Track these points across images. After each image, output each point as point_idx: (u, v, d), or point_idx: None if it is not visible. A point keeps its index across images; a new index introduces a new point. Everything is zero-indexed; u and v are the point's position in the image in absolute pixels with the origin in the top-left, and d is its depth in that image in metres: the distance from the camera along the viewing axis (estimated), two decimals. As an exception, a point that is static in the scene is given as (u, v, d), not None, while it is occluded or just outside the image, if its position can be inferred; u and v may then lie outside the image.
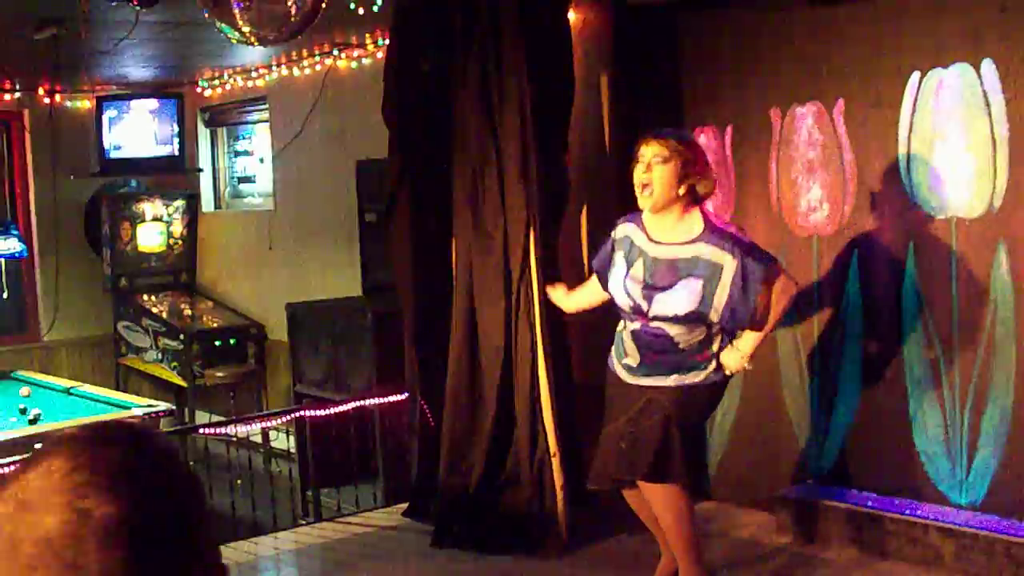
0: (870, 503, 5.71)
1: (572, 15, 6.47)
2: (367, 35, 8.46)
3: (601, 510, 6.29)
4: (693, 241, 4.77)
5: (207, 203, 11.60)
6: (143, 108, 10.80)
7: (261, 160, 11.02)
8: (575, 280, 6.59)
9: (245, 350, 10.54)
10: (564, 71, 6.17)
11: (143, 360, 10.94)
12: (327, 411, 7.05)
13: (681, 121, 6.49)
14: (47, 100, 10.53)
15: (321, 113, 9.60)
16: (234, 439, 7.82)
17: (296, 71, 9.62)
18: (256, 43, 5.15)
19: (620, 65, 6.68)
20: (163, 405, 7.89)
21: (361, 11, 6.70)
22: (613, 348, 5.11)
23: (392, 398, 7.02)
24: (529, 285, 5.87)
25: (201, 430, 8.27)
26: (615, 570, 5.70)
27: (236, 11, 4.95)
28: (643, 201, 4.88)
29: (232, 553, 6.23)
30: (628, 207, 6.73)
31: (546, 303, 5.85)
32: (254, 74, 10.09)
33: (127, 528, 1.23)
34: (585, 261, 6.89)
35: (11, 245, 9.40)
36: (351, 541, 6.39)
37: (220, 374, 10.27)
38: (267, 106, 10.43)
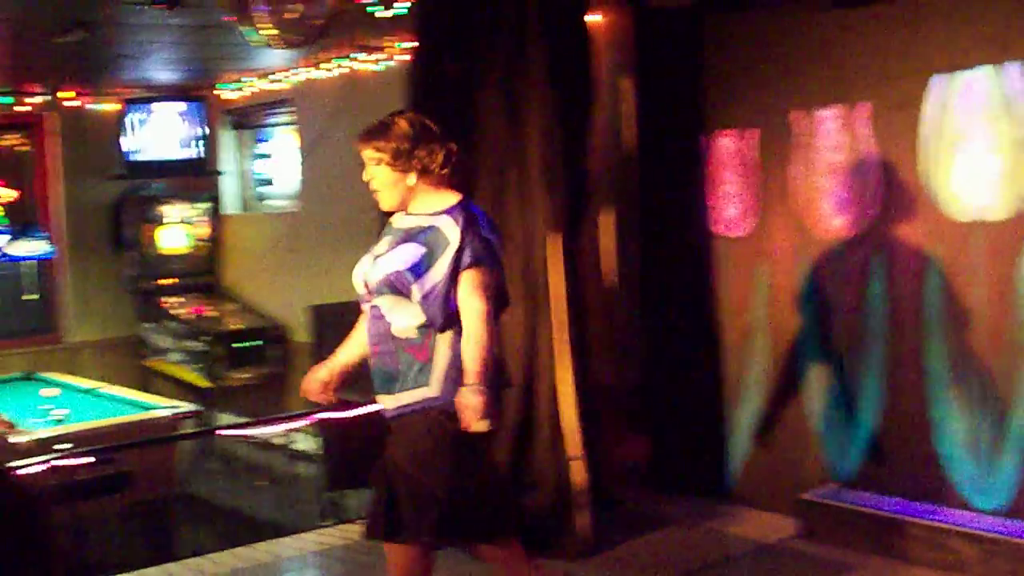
0: (893, 507, 5.69)
1: (594, 18, 6.46)
2: (391, 38, 8.47)
3: (625, 514, 6.30)
4: (438, 213, 4.31)
5: (231, 205, 11.64)
6: (168, 111, 10.85)
7: (285, 162, 11.05)
8: (595, 285, 6.59)
9: (268, 352, 10.57)
10: (586, 74, 6.17)
11: (167, 361, 10.99)
12: (350, 413, 7.05)
13: (704, 124, 6.48)
14: (73, 103, 10.58)
15: (345, 115, 9.62)
16: (257, 440, 7.84)
17: (320, 74, 9.65)
18: (279, 46, 5.18)
19: (643, 68, 6.67)
20: (186, 406, 7.94)
21: (385, 15, 6.72)
22: None
23: (415, 400, 7.01)
24: (550, 288, 5.86)
25: (223, 431, 8.31)
26: (637, 573, 5.69)
27: (259, 15, 4.98)
28: (379, 203, 4.50)
29: (254, 554, 6.25)
30: (650, 209, 6.74)
31: (568, 306, 5.84)
32: (276, 77, 10.12)
33: None
34: (608, 264, 6.88)
35: (37, 247, 9.45)
36: (373, 543, 6.38)
37: (243, 375, 10.30)
38: (291, 109, 10.46)
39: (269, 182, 11.44)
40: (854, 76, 5.86)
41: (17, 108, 10.52)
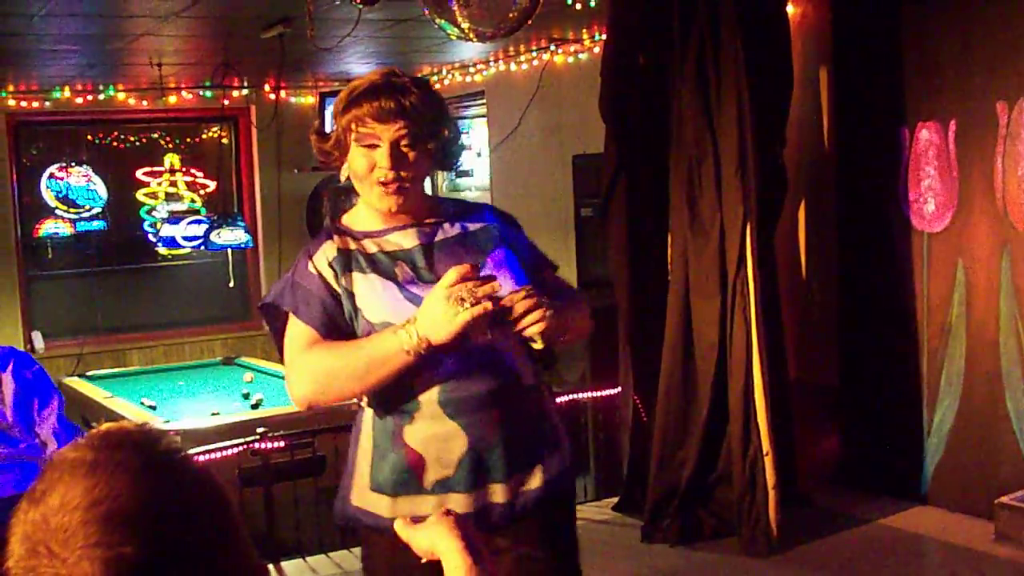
0: (1097, 513, 5.52)
1: (791, 8, 6.39)
2: (584, 30, 8.50)
3: (814, 512, 6.23)
4: (471, 212, 3.16)
5: (425, 196, 11.79)
6: (364, 103, 11.02)
7: (478, 154, 11.16)
8: (790, 280, 6.53)
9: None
10: (782, 65, 6.11)
11: (360, 349, 11.18)
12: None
13: (902, 115, 6.35)
14: (272, 96, 10.86)
15: (538, 108, 9.68)
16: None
17: (513, 66, 9.72)
18: (475, 39, 5.22)
19: (840, 59, 6.58)
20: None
21: (578, 6, 6.74)
22: (361, 474, 3.04)
23: (605, 392, 7.04)
24: (745, 282, 5.82)
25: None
26: (824, 572, 5.62)
27: (455, 8, 5.03)
28: (385, 200, 2.95)
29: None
30: (847, 203, 6.63)
31: (763, 300, 5.80)
32: (472, 69, 10.23)
33: (158, 564, 1.20)
34: (803, 258, 6.81)
35: (238, 236, 9.71)
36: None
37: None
38: (484, 101, 10.56)
39: (463, 173, 11.55)
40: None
41: (220, 102, 10.86)
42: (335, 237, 3.03)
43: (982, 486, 6.07)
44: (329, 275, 2.96)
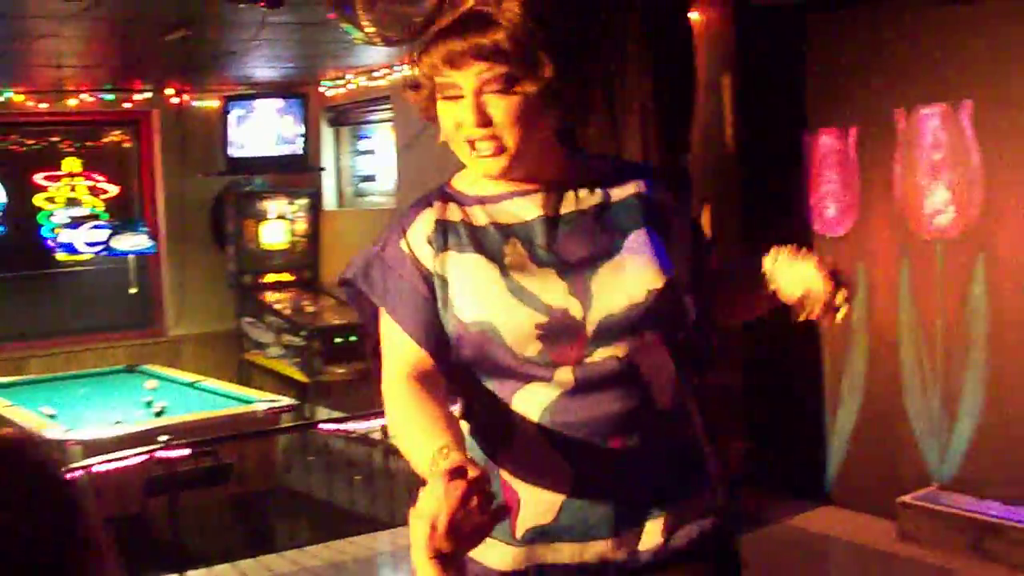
0: (993, 512, 5.60)
1: (695, 16, 6.44)
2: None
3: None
4: (621, 173, 2.39)
5: (330, 201, 11.74)
6: (269, 107, 10.97)
7: (383, 159, 11.13)
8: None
9: (366, 347, 10.62)
10: (685, 71, 6.15)
11: (266, 356, 11.11)
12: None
13: (805, 122, 6.43)
14: (176, 100, 10.74)
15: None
16: (354, 435, 7.90)
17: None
18: (380, 43, 5.21)
19: (743, 66, 6.63)
20: (285, 400, 8.03)
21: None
22: None
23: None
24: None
25: (321, 426, 8.39)
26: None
27: (359, 12, 5.01)
28: (481, 164, 2.32)
29: (350, 548, 6.30)
30: (751, 208, 6.69)
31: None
32: (377, 74, 10.18)
33: None
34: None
35: (139, 241, 9.62)
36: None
37: (341, 370, 10.37)
38: (390, 105, 10.52)
39: (368, 178, 11.51)
40: (959, 73, 5.78)
41: (122, 105, 10.72)
42: (435, 204, 2.42)
43: (884, 486, 6.15)
44: (426, 256, 2.32)
